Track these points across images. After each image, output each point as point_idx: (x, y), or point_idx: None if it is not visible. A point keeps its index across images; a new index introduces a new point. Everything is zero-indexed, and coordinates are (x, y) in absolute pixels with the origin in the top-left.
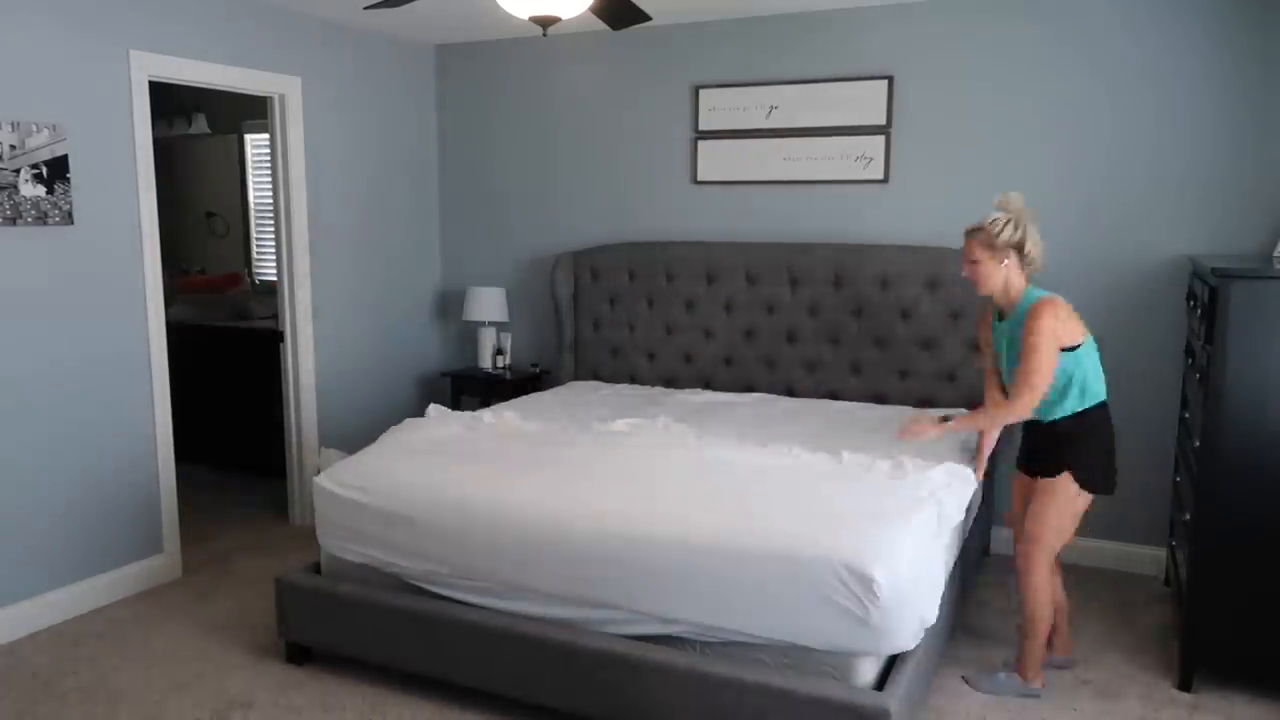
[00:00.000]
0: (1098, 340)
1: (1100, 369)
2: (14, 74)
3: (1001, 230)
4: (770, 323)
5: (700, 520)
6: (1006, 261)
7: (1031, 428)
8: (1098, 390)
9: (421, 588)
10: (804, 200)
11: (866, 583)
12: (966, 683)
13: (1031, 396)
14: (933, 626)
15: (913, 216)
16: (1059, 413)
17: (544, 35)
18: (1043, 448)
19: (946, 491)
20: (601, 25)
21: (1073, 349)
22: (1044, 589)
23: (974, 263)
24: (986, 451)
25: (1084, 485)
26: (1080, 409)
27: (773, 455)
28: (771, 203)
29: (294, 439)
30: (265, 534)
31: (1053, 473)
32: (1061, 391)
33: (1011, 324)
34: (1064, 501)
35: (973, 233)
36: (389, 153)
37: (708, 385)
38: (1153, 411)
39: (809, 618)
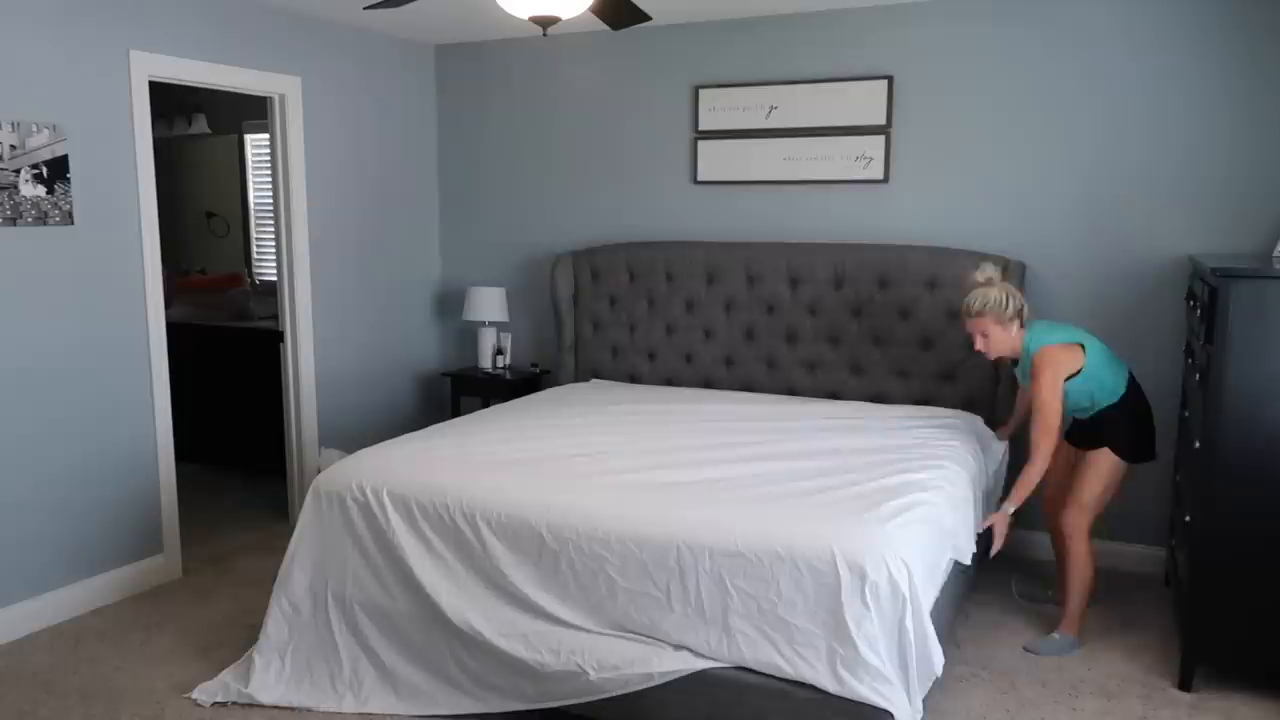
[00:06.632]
0: (1100, 336)
1: (1111, 363)
2: (14, 74)
3: (1008, 305)
4: (770, 323)
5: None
6: (1014, 329)
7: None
8: (1116, 386)
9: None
10: (804, 200)
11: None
12: (1030, 650)
13: (1049, 439)
14: (934, 626)
15: (913, 216)
16: (1092, 413)
17: (544, 35)
18: (1087, 431)
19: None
20: (601, 25)
21: (1075, 375)
22: (1087, 549)
23: (986, 337)
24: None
25: (1122, 457)
26: (1109, 405)
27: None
28: (772, 202)
29: (294, 439)
30: (265, 534)
31: (1095, 445)
32: (1089, 403)
33: (1023, 365)
34: (1105, 471)
35: (982, 311)
36: (389, 153)
37: (708, 386)
38: (1153, 411)
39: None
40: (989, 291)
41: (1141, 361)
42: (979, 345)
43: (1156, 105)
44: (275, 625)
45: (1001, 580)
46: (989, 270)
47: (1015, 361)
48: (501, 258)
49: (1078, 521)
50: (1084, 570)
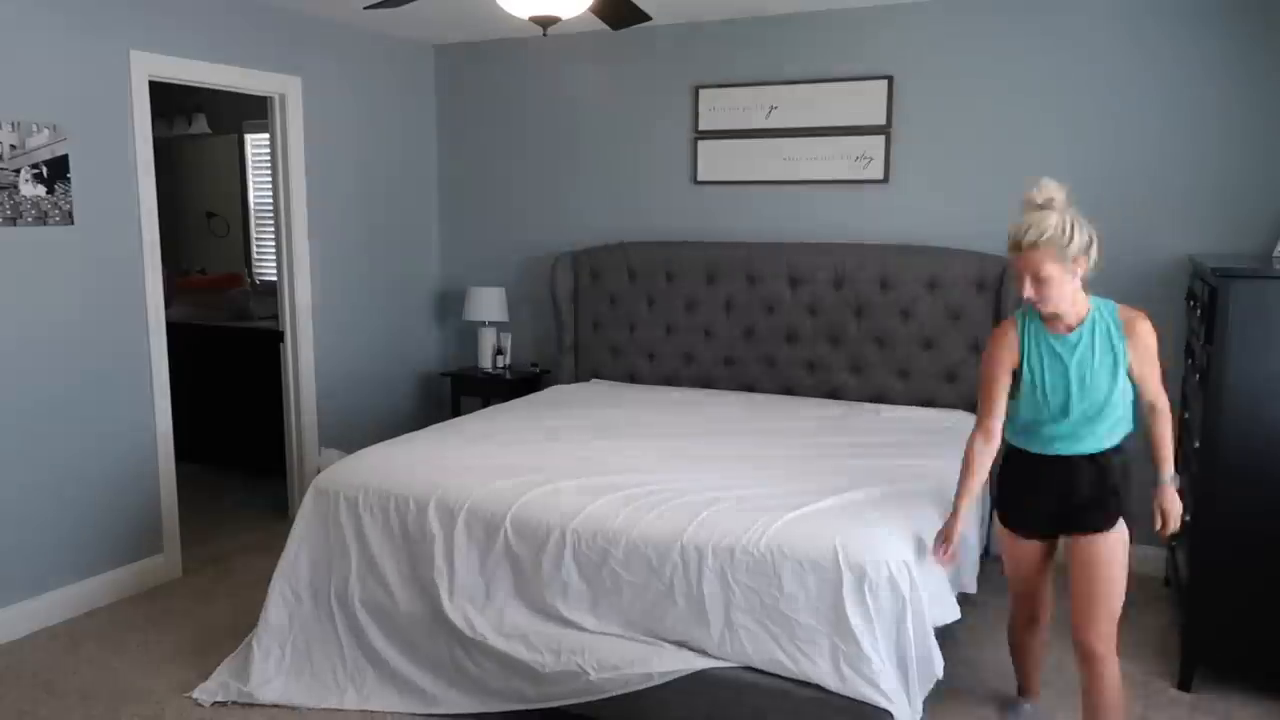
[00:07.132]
0: None
1: None
2: (14, 74)
3: (1072, 238)
4: (770, 323)
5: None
6: (1079, 271)
7: (1051, 465)
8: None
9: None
10: (804, 200)
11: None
12: None
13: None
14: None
15: (913, 216)
16: (1115, 439)
17: (544, 35)
18: (1094, 491)
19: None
20: (601, 25)
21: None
22: (1118, 665)
23: (1043, 280)
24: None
25: (1131, 522)
26: (1130, 431)
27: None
28: (771, 203)
29: (294, 439)
30: (265, 534)
31: (1113, 522)
32: (1123, 413)
33: (1081, 339)
34: (1125, 554)
35: (1035, 244)
36: (389, 153)
37: (708, 385)
38: None
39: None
40: (1047, 217)
41: None
42: (1029, 292)
43: (1156, 105)
44: (276, 612)
45: (1000, 585)
46: (1050, 189)
47: (1069, 329)
48: (501, 258)
49: (1109, 635)
50: (1118, 692)
